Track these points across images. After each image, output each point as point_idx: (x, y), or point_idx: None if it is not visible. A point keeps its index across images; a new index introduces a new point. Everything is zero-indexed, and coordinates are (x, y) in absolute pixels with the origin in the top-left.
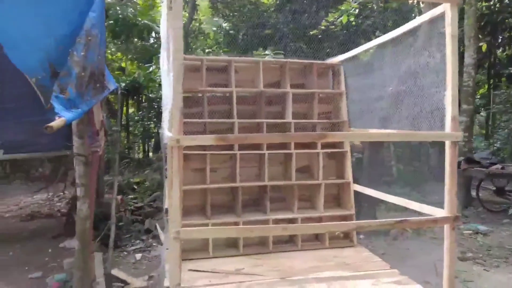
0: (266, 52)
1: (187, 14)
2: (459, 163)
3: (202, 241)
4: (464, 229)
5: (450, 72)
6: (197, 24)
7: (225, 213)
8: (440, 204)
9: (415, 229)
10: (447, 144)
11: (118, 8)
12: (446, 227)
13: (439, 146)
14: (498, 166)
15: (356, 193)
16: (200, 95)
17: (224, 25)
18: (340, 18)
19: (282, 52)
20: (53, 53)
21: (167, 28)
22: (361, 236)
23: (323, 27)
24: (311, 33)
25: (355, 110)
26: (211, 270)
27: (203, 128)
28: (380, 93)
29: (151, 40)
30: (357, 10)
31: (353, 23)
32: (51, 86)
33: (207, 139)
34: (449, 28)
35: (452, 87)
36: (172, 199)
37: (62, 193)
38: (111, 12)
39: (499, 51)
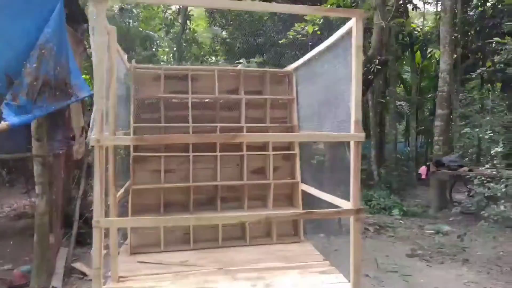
0: (240, 60)
1: (179, 24)
2: (428, 166)
3: (155, 236)
4: (428, 228)
5: (355, 80)
6: (191, 34)
7: (180, 211)
8: None
9: (377, 229)
10: (352, 144)
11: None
12: (351, 219)
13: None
14: (465, 168)
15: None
16: (153, 101)
17: (223, 34)
18: (306, 28)
19: (257, 60)
20: (13, 65)
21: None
22: (321, 235)
23: (290, 36)
24: (280, 42)
25: (303, 114)
26: (157, 262)
27: (163, 132)
28: (317, 99)
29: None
30: (321, 20)
31: (318, 32)
32: (6, 94)
33: (125, 140)
34: (355, 40)
35: (356, 94)
36: (94, 193)
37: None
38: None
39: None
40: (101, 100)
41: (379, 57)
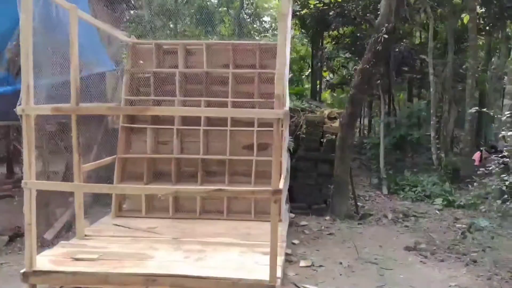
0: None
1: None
2: (482, 152)
3: (140, 203)
4: (462, 223)
5: (279, 51)
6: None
7: (167, 181)
8: None
9: (396, 218)
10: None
11: None
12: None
13: None
14: None
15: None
16: (147, 75)
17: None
18: None
19: None
20: None
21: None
22: (327, 217)
23: None
24: None
25: None
26: (127, 226)
27: (153, 105)
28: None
29: None
30: None
31: None
32: None
33: (46, 110)
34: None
35: (279, 67)
36: (24, 157)
37: None
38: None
39: None
40: (26, 74)
41: (386, 24)
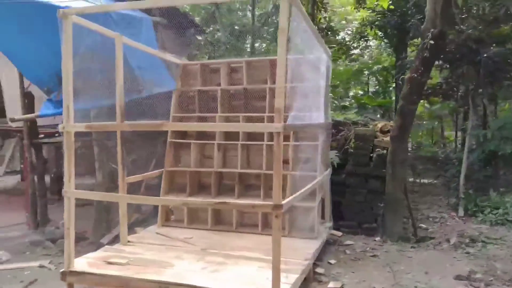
0: None
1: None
2: None
3: (182, 215)
4: None
5: (279, 64)
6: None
7: (208, 194)
8: None
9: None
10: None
11: None
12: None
13: None
14: None
15: None
16: (192, 94)
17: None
18: None
19: None
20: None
21: None
22: (377, 238)
23: None
24: None
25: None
26: (167, 235)
27: (198, 121)
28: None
29: None
30: None
31: None
32: (56, 91)
33: (81, 127)
34: (281, 21)
35: (279, 80)
36: (64, 168)
37: None
38: None
39: None
40: (66, 97)
41: (432, 30)
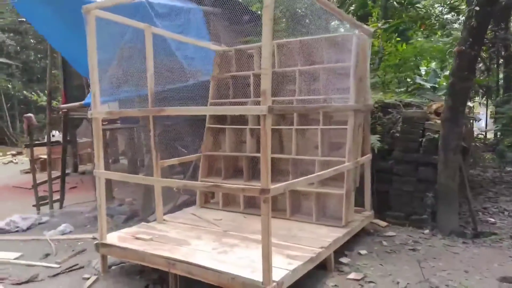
0: None
1: None
2: None
3: (218, 197)
4: None
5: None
6: None
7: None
8: None
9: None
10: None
11: None
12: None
13: None
14: None
15: None
16: (227, 80)
17: None
18: None
19: None
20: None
21: None
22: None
23: None
24: None
25: None
26: (200, 216)
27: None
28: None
29: None
30: None
31: None
32: None
33: (103, 114)
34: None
35: (264, 63)
36: (95, 151)
37: None
38: None
39: None
40: (94, 85)
41: None
